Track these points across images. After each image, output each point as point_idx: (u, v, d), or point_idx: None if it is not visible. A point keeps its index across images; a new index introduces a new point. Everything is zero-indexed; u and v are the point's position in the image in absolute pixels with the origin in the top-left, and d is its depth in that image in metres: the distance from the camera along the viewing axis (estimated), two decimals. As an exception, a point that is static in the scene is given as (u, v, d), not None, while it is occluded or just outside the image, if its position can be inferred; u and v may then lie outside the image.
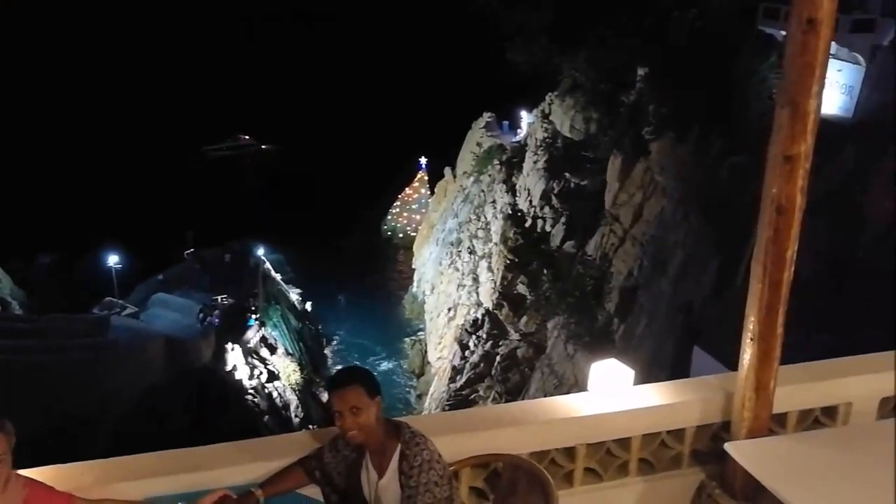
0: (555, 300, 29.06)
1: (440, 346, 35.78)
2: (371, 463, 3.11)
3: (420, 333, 40.85)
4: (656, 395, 3.91)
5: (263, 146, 69.31)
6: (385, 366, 40.85)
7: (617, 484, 3.87)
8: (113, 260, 39.42)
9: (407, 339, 41.61)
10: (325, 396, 38.70)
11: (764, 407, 3.57)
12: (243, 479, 3.25)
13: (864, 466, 3.33)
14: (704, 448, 3.97)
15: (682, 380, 3.99)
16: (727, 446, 3.56)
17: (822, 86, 3.14)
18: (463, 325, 33.74)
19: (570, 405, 3.79)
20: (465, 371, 31.51)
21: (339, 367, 41.69)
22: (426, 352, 36.65)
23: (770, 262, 3.33)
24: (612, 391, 3.86)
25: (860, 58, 19.07)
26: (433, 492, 2.91)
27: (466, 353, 32.38)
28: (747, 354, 3.51)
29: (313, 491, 3.22)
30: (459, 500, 3.25)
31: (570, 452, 3.76)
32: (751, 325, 3.47)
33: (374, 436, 3.03)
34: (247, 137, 69.69)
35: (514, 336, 30.56)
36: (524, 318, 30.44)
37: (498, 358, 30.23)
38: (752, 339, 3.47)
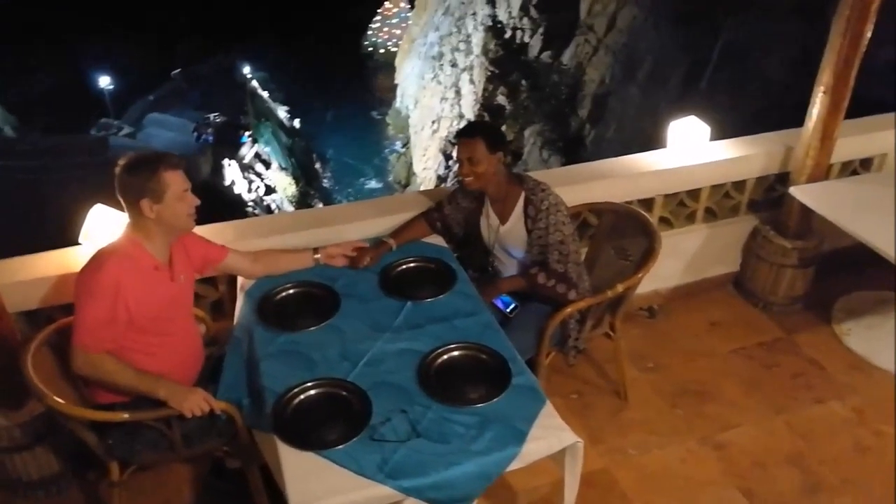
0: (532, 109, 28.68)
1: (425, 157, 35.47)
2: (492, 210, 3.21)
3: (405, 147, 40.21)
4: (725, 149, 4.06)
5: None
6: (372, 183, 40.56)
7: (685, 231, 4.13)
8: (105, 81, 37.37)
9: (393, 154, 41.08)
10: (319, 205, 39.03)
11: (825, 156, 3.74)
12: (371, 232, 3.37)
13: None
14: (759, 198, 4.20)
15: (747, 136, 4.11)
16: (792, 189, 3.77)
17: None
18: (446, 136, 33.31)
19: (650, 160, 3.93)
20: (449, 179, 31.72)
21: (328, 179, 41.85)
22: (411, 164, 36.37)
23: (855, 16, 3.31)
24: (687, 147, 3.96)
25: None
26: (562, 230, 3.05)
27: (450, 162, 32.35)
28: (817, 106, 3.60)
29: (437, 240, 3.35)
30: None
31: (648, 204, 3.95)
32: (825, 77, 3.52)
33: (493, 185, 3.10)
34: None
35: (494, 145, 30.42)
36: (503, 128, 30.18)
37: (479, 165, 30.29)
38: (824, 92, 3.54)
